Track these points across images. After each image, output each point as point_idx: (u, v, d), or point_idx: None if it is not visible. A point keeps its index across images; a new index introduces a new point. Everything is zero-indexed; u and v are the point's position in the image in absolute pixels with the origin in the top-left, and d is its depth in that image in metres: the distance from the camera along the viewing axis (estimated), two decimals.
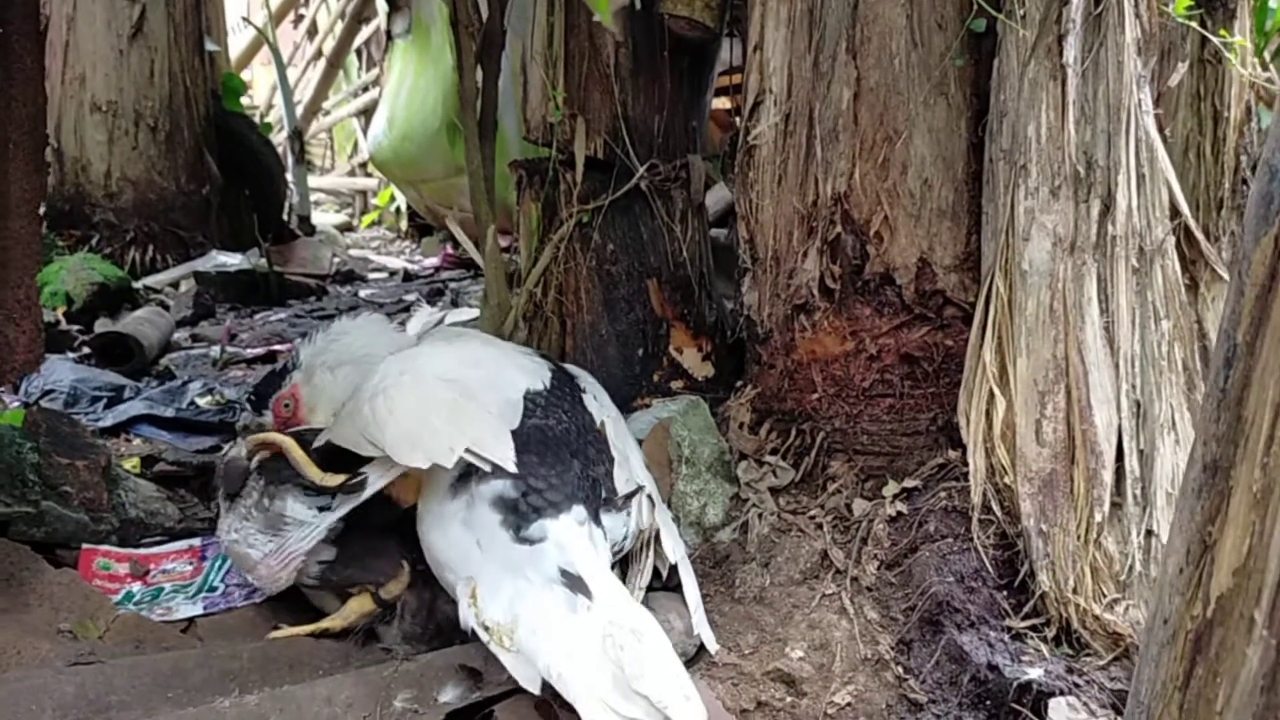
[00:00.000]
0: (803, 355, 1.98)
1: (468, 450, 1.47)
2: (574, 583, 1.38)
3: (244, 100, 6.23)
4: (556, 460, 1.54)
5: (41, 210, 2.17)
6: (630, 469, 1.68)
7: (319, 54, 8.82)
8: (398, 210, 8.08)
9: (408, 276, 5.57)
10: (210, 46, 5.52)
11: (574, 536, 1.45)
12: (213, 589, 1.81)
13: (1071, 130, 1.69)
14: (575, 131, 2.25)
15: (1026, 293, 1.70)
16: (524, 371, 1.71)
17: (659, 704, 1.24)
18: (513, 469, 1.46)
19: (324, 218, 8.50)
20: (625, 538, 1.59)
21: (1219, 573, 0.60)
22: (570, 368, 1.91)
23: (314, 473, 1.65)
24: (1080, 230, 1.69)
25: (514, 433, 1.55)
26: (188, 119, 4.90)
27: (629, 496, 1.59)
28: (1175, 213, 1.74)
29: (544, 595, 1.38)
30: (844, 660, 1.52)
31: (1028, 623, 1.53)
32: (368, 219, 8.79)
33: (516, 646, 1.36)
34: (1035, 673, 1.42)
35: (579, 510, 1.50)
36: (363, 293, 4.99)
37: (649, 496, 1.64)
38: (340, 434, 1.64)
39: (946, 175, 1.87)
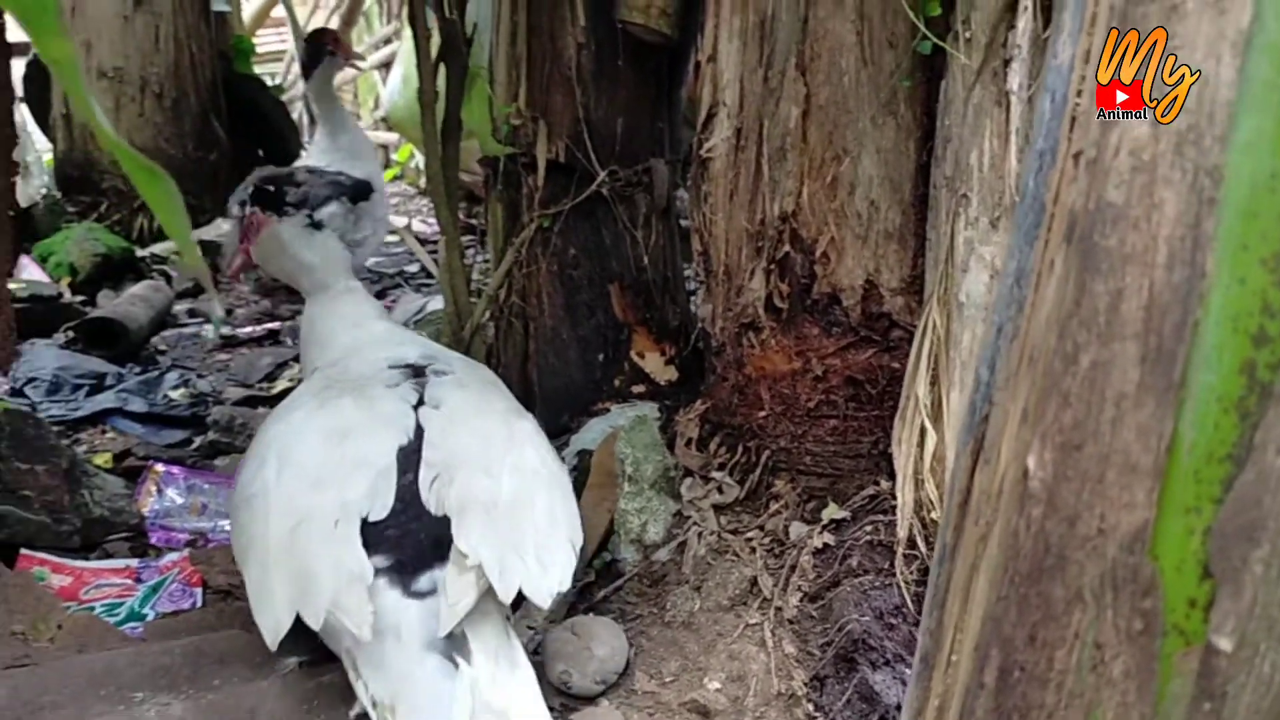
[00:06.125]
0: (752, 371, 1.97)
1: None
2: (454, 642, 1.30)
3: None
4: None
5: (11, 213, 2.20)
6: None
7: (336, 7, 8.76)
8: (417, 167, 8.05)
9: (416, 240, 5.56)
10: (220, 7, 5.49)
11: (461, 584, 1.35)
12: (140, 618, 1.83)
13: (1014, 160, 1.65)
14: (537, 135, 2.23)
15: (963, 325, 1.68)
16: (392, 425, 1.56)
17: None
18: (366, 636, 1.30)
19: None
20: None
21: None
22: (439, 368, 1.72)
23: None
24: None
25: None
26: (194, 85, 4.89)
27: None
28: None
29: (420, 666, 1.29)
30: (757, 694, 1.54)
31: None
32: (389, 174, 8.78)
33: None
34: None
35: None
36: (369, 260, 5.00)
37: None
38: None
39: (894, 197, 1.84)
